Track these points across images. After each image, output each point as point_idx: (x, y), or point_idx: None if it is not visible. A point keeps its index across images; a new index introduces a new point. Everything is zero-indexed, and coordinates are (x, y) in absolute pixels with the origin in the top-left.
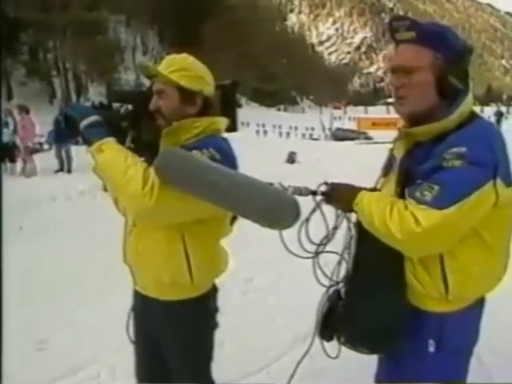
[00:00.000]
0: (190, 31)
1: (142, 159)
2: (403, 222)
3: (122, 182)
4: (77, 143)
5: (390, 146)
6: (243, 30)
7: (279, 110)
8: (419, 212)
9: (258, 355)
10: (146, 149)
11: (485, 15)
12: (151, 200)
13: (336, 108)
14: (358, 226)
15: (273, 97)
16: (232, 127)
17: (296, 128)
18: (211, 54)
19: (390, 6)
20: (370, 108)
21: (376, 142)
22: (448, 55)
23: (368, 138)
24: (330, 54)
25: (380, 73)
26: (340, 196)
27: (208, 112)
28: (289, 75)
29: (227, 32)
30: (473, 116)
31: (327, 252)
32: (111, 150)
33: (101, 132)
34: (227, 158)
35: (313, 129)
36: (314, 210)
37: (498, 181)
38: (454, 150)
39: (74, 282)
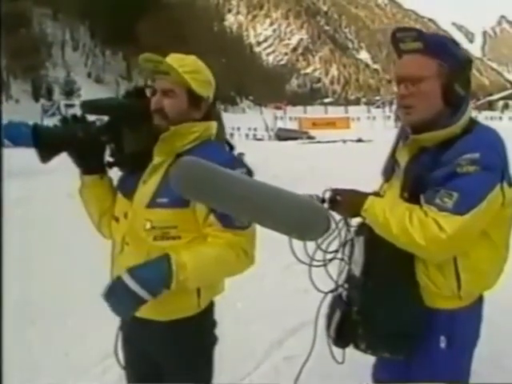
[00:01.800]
0: (124, 28)
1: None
2: (426, 229)
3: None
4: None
5: (333, 145)
6: (180, 29)
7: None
8: (442, 219)
9: (237, 364)
10: (128, 161)
11: (411, 22)
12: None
13: (277, 108)
14: (368, 231)
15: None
16: None
17: (239, 128)
18: (147, 52)
19: (325, 9)
20: (309, 108)
21: (319, 142)
22: (453, 64)
23: (310, 137)
24: (267, 54)
25: (316, 74)
26: (347, 202)
27: (209, 119)
28: (228, 75)
29: (164, 30)
30: (473, 122)
31: (335, 259)
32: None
33: None
34: (246, 167)
35: (255, 129)
36: None
37: (504, 183)
38: (468, 156)
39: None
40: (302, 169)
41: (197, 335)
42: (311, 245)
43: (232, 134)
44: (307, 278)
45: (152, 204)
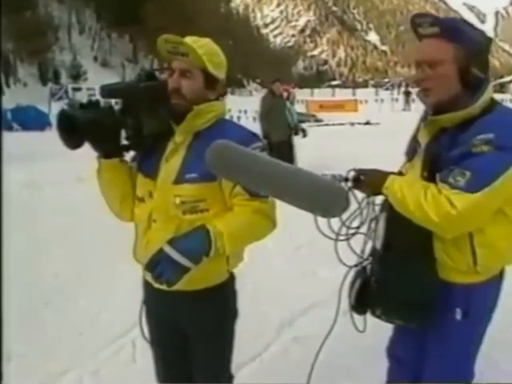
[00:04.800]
0: (129, 10)
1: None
2: (439, 205)
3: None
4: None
5: (341, 127)
6: (186, 10)
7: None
8: (454, 196)
9: (248, 344)
10: (148, 142)
11: (421, 2)
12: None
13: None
14: (388, 207)
15: None
16: None
17: (246, 111)
18: (153, 35)
19: None
20: (316, 90)
21: (327, 124)
22: (470, 47)
23: (318, 120)
24: (275, 36)
25: (324, 56)
26: (370, 181)
27: (220, 99)
28: (234, 58)
29: (170, 12)
30: (493, 103)
31: (358, 233)
32: None
33: None
34: (261, 141)
35: None
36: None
37: None
38: (482, 136)
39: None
40: (311, 150)
41: (224, 304)
42: (335, 221)
43: (239, 117)
44: (315, 261)
45: (180, 180)
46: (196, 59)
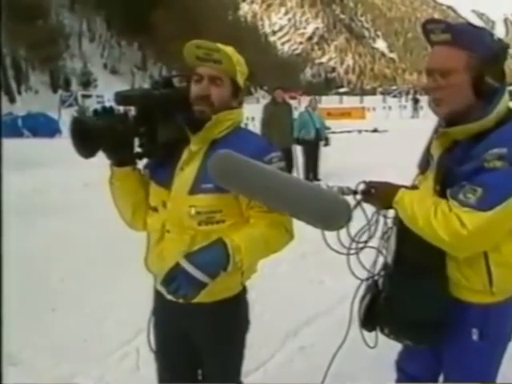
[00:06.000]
0: (139, 18)
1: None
2: (449, 224)
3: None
4: None
5: (349, 135)
6: (195, 19)
7: None
8: (464, 214)
9: (252, 354)
10: (162, 150)
11: (429, 9)
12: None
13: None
14: (399, 222)
15: None
16: None
17: (253, 119)
18: (162, 43)
19: None
20: (323, 98)
21: (334, 132)
22: (483, 55)
23: (326, 127)
24: (282, 44)
25: (332, 63)
26: (380, 194)
27: (239, 107)
28: None
29: (178, 20)
30: (510, 114)
31: (367, 247)
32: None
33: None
34: (279, 152)
35: None
36: (355, 207)
37: None
38: (495, 150)
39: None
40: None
41: (237, 316)
42: (344, 234)
43: (246, 124)
44: (321, 269)
45: (195, 190)
46: (230, 67)
